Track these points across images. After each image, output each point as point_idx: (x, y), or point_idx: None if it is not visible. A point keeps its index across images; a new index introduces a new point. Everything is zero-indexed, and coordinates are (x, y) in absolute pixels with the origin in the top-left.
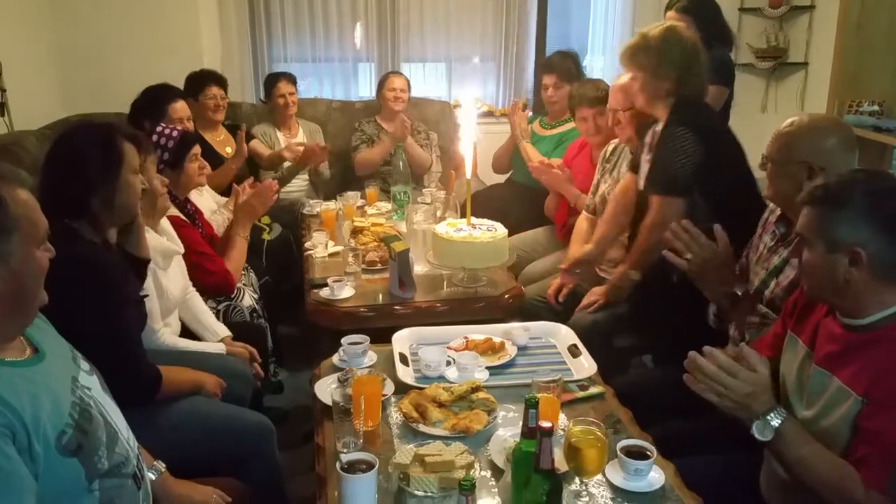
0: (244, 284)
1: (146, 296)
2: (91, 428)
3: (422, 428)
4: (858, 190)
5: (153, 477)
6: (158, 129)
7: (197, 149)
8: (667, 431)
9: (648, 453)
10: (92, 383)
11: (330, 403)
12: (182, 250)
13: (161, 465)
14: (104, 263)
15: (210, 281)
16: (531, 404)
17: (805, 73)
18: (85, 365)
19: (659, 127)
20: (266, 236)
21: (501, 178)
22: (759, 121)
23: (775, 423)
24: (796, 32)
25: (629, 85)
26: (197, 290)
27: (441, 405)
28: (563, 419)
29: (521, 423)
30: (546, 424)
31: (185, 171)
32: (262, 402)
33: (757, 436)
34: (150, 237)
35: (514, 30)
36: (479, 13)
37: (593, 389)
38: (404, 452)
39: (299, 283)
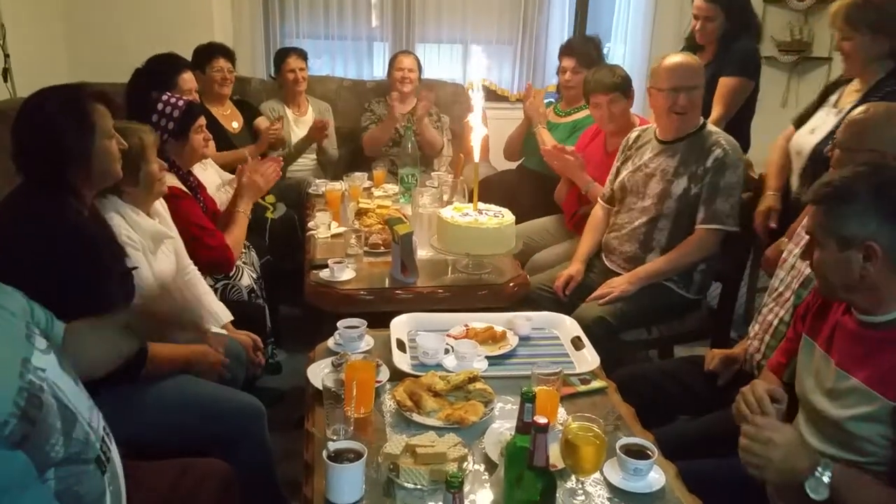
0: (244, 263)
1: (135, 268)
2: (41, 415)
3: (415, 417)
4: (863, 183)
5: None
6: (164, 97)
7: (202, 120)
8: (671, 431)
9: (649, 453)
10: (48, 363)
11: (321, 388)
12: (174, 235)
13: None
14: (88, 233)
15: (209, 256)
16: (527, 398)
17: (829, 68)
18: (41, 342)
19: (853, 87)
20: (270, 215)
21: (513, 165)
22: (778, 116)
23: (826, 478)
24: (821, 26)
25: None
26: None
27: (436, 394)
28: (562, 413)
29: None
30: (541, 420)
31: (189, 142)
32: (255, 383)
33: (813, 496)
34: (141, 220)
35: (533, 14)
36: None
37: (595, 384)
38: (395, 442)
39: (302, 263)
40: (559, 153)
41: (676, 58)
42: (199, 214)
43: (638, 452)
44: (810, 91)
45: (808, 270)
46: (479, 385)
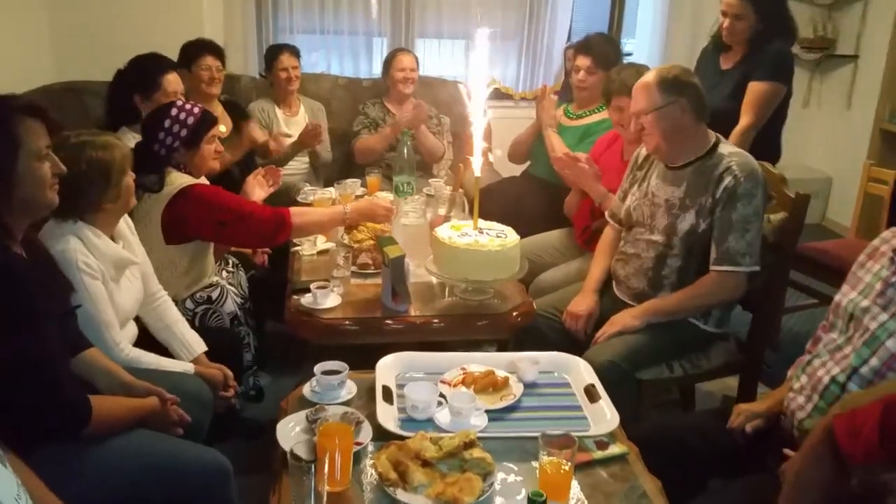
0: (229, 284)
1: (78, 306)
2: None
3: (399, 495)
4: None
5: None
6: (179, 103)
7: (216, 130)
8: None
9: None
10: None
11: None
12: (140, 260)
13: None
14: (13, 270)
15: (266, 223)
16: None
17: (854, 66)
18: None
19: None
20: None
21: (518, 170)
22: (800, 117)
23: None
24: (847, 22)
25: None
26: (256, 248)
27: (426, 463)
28: (575, 488)
29: (521, 495)
30: None
31: (200, 152)
32: (238, 414)
33: None
34: (102, 244)
35: (538, 7)
36: None
37: (614, 448)
38: None
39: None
40: (571, 161)
41: (643, 79)
42: (231, 195)
43: None
44: (834, 90)
45: (873, 325)
46: (476, 453)
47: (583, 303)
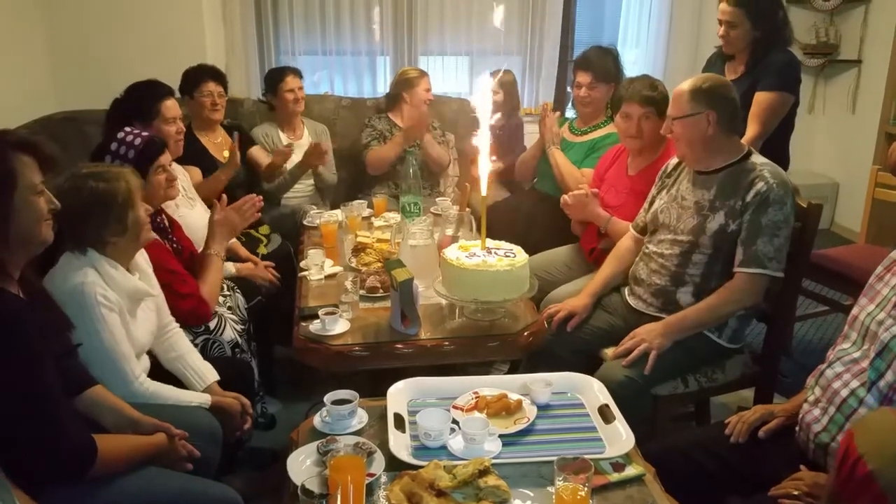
0: (228, 308)
1: (79, 345)
2: None
3: None
4: None
5: None
6: (120, 135)
7: (164, 158)
8: None
9: None
10: None
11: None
12: (155, 293)
13: None
14: (11, 312)
15: (182, 306)
16: None
17: (858, 71)
18: None
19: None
20: (262, 249)
21: (525, 187)
22: (805, 122)
23: None
24: (849, 27)
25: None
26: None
27: (440, 493)
28: None
29: None
30: None
31: (149, 184)
32: (244, 444)
33: None
34: (119, 276)
35: (540, 23)
36: (503, 3)
37: (630, 470)
38: None
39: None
40: (568, 202)
41: (682, 86)
42: (168, 258)
43: None
44: (838, 95)
45: (887, 337)
46: (491, 480)
47: (578, 303)
